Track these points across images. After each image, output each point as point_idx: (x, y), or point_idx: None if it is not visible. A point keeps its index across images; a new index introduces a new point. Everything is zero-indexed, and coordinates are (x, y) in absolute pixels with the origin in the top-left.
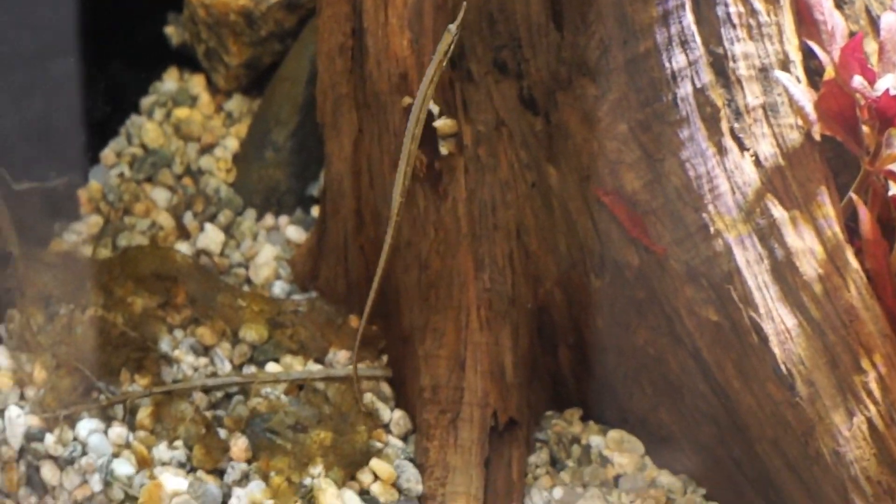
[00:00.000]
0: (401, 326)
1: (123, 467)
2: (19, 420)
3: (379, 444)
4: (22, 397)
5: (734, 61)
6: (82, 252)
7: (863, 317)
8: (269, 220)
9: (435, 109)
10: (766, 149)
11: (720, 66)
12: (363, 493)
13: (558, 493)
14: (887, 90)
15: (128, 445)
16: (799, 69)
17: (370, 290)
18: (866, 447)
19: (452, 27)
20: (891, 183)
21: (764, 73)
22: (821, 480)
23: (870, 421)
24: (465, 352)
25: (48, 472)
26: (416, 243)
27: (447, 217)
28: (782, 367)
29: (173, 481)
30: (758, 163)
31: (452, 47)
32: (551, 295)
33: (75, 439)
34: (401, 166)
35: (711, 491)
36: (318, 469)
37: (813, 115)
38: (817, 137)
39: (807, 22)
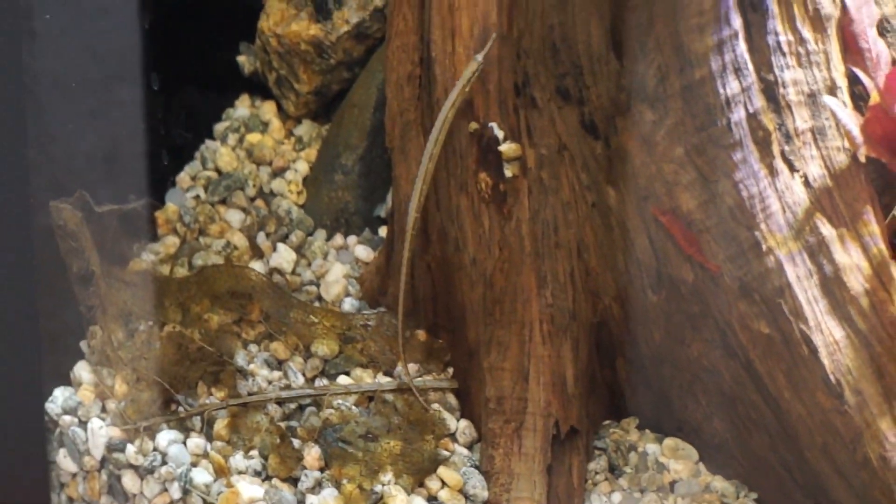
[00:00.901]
0: (466, 340)
1: (201, 476)
2: (101, 431)
3: (446, 453)
4: (103, 410)
5: (784, 87)
6: (160, 271)
7: None
8: (338, 239)
9: (500, 134)
10: (815, 170)
11: (771, 92)
12: (431, 499)
13: (617, 498)
14: None
15: (205, 455)
16: (845, 95)
17: (407, 303)
18: None
19: (479, 56)
20: None
21: (812, 98)
22: (869, 485)
23: None
24: (529, 364)
25: (129, 481)
26: (482, 261)
27: (511, 236)
28: (831, 377)
29: (249, 489)
30: (807, 183)
31: (477, 74)
32: (610, 310)
33: (155, 449)
34: (417, 184)
35: (763, 495)
36: (388, 476)
37: (859, 139)
38: (862, 159)
39: (852, 50)
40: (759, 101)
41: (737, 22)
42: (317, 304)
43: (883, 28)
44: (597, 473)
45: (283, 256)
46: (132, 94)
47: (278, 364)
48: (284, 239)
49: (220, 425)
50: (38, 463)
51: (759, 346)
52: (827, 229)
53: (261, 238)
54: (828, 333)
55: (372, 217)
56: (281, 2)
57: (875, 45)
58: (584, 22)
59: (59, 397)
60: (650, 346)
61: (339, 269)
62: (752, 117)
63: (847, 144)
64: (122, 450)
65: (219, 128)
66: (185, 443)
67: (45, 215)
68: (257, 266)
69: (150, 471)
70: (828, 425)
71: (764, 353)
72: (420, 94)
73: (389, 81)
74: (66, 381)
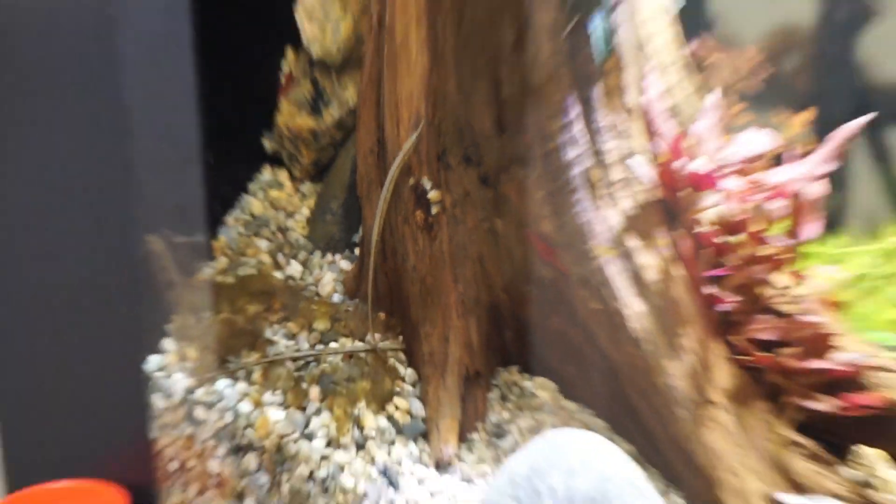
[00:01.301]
0: (410, 319)
1: (245, 407)
2: (180, 381)
3: (398, 389)
4: (182, 368)
5: (606, 153)
6: (216, 279)
7: (683, 303)
8: (329, 257)
9: (428, 186)
10: (626, 205)
11: (598, 156)
12: (390, 417)
13: (506, 415)
14: (695, 170)
15: (247, 394)
16: (645, 156)
17: (372, 296)
18: (685, 380)
19: (414, 136)
20: (696, 226)
21: (624, 159)
22: (659, 403)
23: (688, 365)
24: (449, 332)
25: (199, 412)
26: (419, 268)
27: (437, 252)
28: (636, 335)
29: (275, 414)
30: (620, 214)
31: (411, 148)
32: (500, 298)
33: (215, 391)
34: (377, 220)
35: (598, 412)
36: (362, 404)
37: (653, 185)
38: (655, 198)
39: (650, 126)
40: (589, 162)
41: (575, 112)
42: (316, 298)
43: (673, 112)
44: (493, 401)
45: (294, 268)
46: (197, 167)
47: (292, 336)
48: (295, 257)
49: (256, 375)
50: (142, 403)
51: (592, 317)
52: (633, 243)
53: (280, 257)
54: (633, 308)
55: (350, 242)
56: (289, 104)
57: (664, 123)
58: (480, 114)
59: (154, 360)
60: (526, 320)
61: (329, 276)
62: (585, 172)
63: (646, 189)
64: (195, 392)
65: (252, 187)
66: (234, 386)
67: (143, 245)
68: (278, 274)
69: (212, 405)
70: (635, 367)
71: (596, 321)
72: (378, 162)
73: (359, 154)
74: (158, 350)
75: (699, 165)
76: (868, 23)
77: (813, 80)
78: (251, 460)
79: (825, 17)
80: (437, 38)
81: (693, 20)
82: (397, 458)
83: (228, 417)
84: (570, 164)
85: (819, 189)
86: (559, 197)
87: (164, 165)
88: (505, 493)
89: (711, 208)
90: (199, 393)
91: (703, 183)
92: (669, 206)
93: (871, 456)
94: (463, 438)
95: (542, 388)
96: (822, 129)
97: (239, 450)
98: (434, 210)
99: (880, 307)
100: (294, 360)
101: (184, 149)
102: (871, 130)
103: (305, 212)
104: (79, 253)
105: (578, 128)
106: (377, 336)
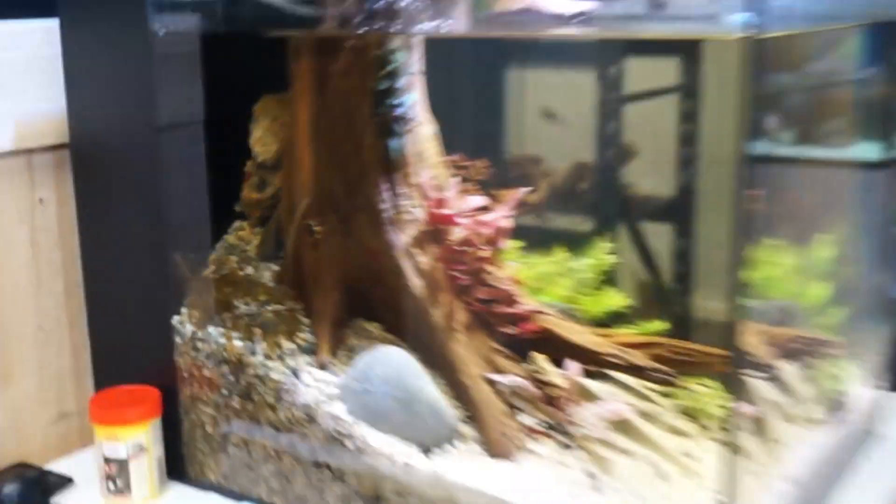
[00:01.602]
0: (307, 293)
1: (222, 340)
2: (189, 329)
3: (301, 329)
4: (191, 322)
5: (401, 206)
6: (209, 276)
7: (441, 281)
8: (268, 264)
9: (315, 224)
10: (411, 232)
11: (397, 207)
12: (297, 344)
13: (355, 341)
14: (445, 214)
15: (223, 334)
16: (420, 207)
17: (289, 282)
18: (442, 318)
19: (305, 202)
20: (447, 242)
21: (414, 210)
22: (429, 330)
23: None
24: (327, 300)
25: (199, 345)
26: (311, 267)
27: (319, 258)
28: (418, 295)
29: (238, 344)
30: (409, 237)
31: (304, 207)
32: (353, 281)
33: (208, 333)
34: (290, 244)
35: (402, 338)
36: (283, 337)
37: (424, 222)
38: (426, 229)
39: (423, 193)
40: (393, 211)
41: (385, 186)
42: (261, 285)
43: (436, 187)
44: (349, 334)
45: (250, 270)
46: (206, 223)
47: (248, 304)
48: (250, 264)
49: (229, 324)
50: (170, 340)
51: (397, 287)
52: (415, 251)
53: (242, 265)
54: (416, 282)
55: (279, 256)
56: (248, 187)
57: (431, 192)
58: (338, 188)
59: (176, 318)
60: (366, 291)
61: (268, 273)
62: (391, 216)
63: (420, 224)
64: (197, 334)
65: (230, 230)
66: (218, 330)
67: (173, 258)
68: (241, 273)
69: (205, 340)
70: (418, 312)
71: (399, 289)
72: (289, 215)
73: (281, 212)
74: (179, 313)
75: (447, 212)
76: (627, 160)
77: (592, 192)
78: (226, 369)
79: (602, 156)
80: (315, 152)
81: (470, 147)
82: (300, 364)
83: (214, 346)
84: (383, 212)
85: (505, 223)
86: (380, 229)
87: (185, 222)
88: (352, 377)
89: (454, 233)
90: (199, 335)
91: (449, 221)
92: (433, 233)
93: (539, 357)
94: (333, 354)
95: (374, 328)
96: (599, 220)
97: (220, 363)
98: (317, 237)
99: (550, 286)
100: (249, 315)
101: (197, 214)
102: (630, 223)
103: (255, 241)
104: (143, 263)
105: (388, 194)
106: (291, 302)
